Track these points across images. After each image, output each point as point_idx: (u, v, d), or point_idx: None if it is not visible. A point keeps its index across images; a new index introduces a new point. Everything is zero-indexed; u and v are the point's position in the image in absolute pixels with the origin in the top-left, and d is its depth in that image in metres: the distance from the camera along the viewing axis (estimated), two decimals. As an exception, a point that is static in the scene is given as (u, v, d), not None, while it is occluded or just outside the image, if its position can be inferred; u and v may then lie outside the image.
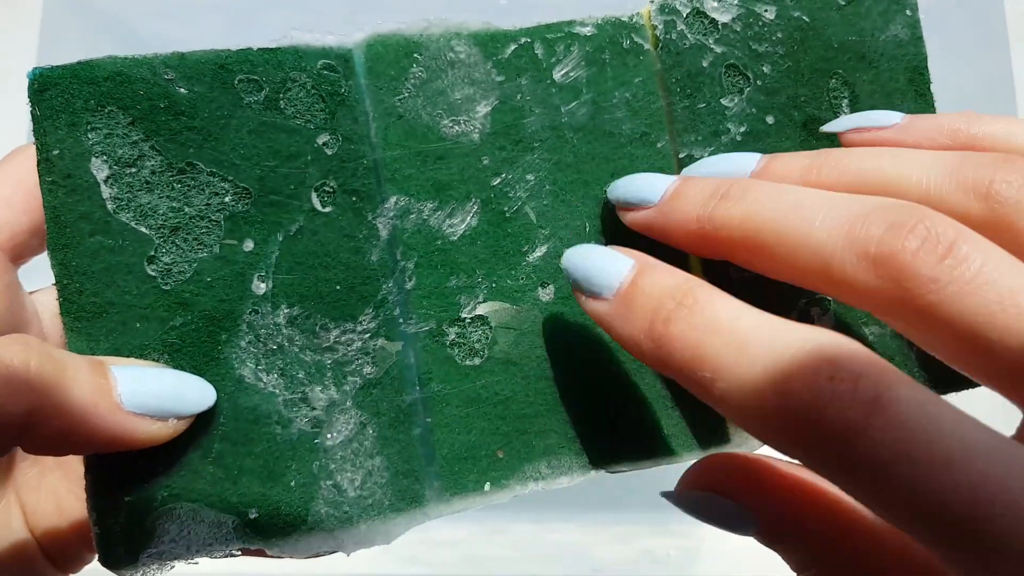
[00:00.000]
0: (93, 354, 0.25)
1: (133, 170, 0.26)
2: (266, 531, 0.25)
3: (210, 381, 0.25)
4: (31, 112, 0.25)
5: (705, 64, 0.29)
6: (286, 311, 0.26)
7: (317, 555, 0.26)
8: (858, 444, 0.18)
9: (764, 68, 0.30)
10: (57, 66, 0.25)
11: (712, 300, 0.22)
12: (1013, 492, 0.17)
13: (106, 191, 0.25)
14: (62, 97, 0.25)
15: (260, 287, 0.26)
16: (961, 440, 0.18)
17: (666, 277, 0.23)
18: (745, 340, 0.20)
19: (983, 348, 0.20)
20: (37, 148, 0.25)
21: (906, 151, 0.25)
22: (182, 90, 0.26)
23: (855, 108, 0.30)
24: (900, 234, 0.20)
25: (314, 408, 0.26)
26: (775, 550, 0.24)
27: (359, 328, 0.27)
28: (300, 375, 0.26)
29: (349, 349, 0.27)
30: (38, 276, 0.29)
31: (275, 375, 0.26)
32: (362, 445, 0.26)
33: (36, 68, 0.25)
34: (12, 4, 0.48)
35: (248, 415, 0.26)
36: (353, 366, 0.27)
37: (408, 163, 0.28)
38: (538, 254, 0.28)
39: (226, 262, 0.26)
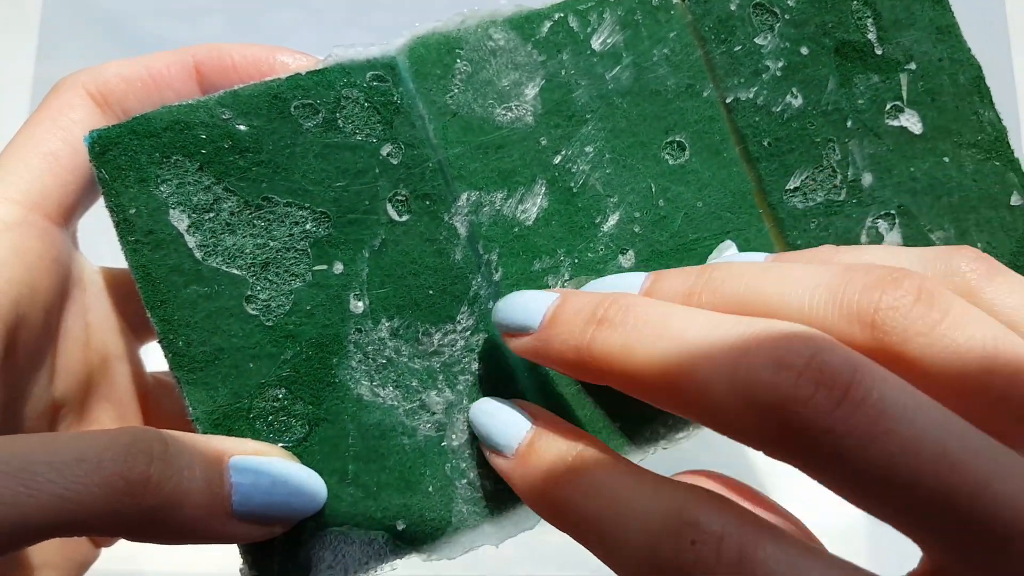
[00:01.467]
0: (214, 403, 0.25)
1: (212, 214, 0.26)
2: (416, 539, 0.26)
3: (331, 405, 0.26)
4: (98, 176, 0.25)
5: (733, 7, 0.30)
6: (387, 324, 0.27)
7: (468, 552, 0.26)
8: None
9: (789, 1, 0.30)
10: (113, 126, 0.25)
11: (596, 464, 0.22)
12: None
13: (190, 240, 0.25)
14: (125, 155, 0.25)
15: (358, 306, 0.26)
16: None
17: (559, 443, 0.24)
18: (618, 501, 0.21)
19: (886, 495, 0.18)
20: (112, 210, 0.25)
21: (788, 270, 0.22)
22: (242, 127, 0.26)
23: (879, 25, 0.31)
24: (790, 377, 0.19)
25: (434, 413, 0.27)
26: None
27: (459, 327, 0.27)
28: (414, 383, 0.27)
29: (454, 349, 0.27)
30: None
31: (391, 388, 0.26)
32: None
33: (93, 131, 0.25)
34: (12, 3, 0.47)
35: (374, 432, 0.26)
36: (461, 365, 0.27)
37: (471, 158, 0.28)
38: (611, 223, 0.29)
39: (321, 288, 0.26)
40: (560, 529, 0.23)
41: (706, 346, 0.20)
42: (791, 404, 0.18)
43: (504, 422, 0.25)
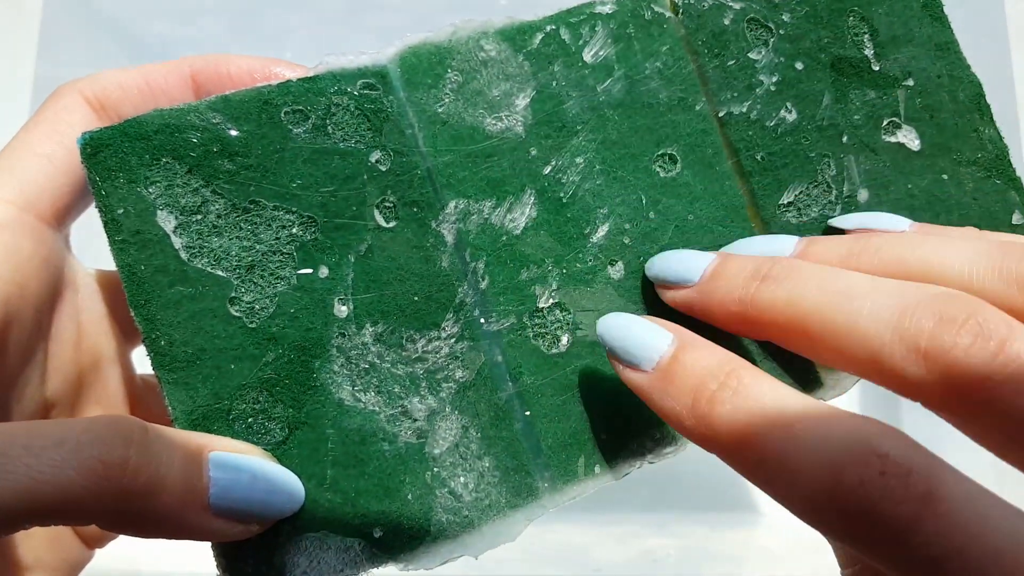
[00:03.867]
0: (194, 403, 0.25)
1: (199, 216, 0.26)
2: (393, 548, 0.25)
3: (311, 409, 0.26)
4: (88, 177, 0.26)
5: (727, 22, 0.30)
6: (371, 329, 0.26)
7: (446, 562, 0.26)
8: (911, 540, 0.18)
9: (784, 17, 0.30)
10: (105, 128, 0.26)
11: (756, 382, 0.22)
12: None
13: (177, 241, 0.26)
14: (116, 157, 0.26)
15: (342, 310, 0.26)
16: (1010, 532, 0.18)
17: (708, 356, 0.23)
18: (792, 425, 0.20)
19: None
20: (100, 210, 0.26)
21: (947, 239, 0.24)
22: (232, 131, 0.26)
23: (876, 41, 0.31)
24: (951, 329, 0.20)
25: (415, 419, 0.26)
26: None
27: (443, 335, 0.27)
28: (396, 389, 0.26)
29: (438, 356, 0.27)
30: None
31: (372, 393, 0.26)
32: (468, 448, 0.27)
33: (85, 133, 0.26)
34: (12, 4, 0.48)
35: (354, 437, 0.26)
36: (445, 372, 0.27)
37: (460, 166, 0.28)
38: (600, 234, 0.28)
39: (305, 291, 0.26)
40: (705, 446, 0.22)
41: (871, 299, 0.22)
42: (953, 350, 0.20)
43: (642, 333, 0.24)
